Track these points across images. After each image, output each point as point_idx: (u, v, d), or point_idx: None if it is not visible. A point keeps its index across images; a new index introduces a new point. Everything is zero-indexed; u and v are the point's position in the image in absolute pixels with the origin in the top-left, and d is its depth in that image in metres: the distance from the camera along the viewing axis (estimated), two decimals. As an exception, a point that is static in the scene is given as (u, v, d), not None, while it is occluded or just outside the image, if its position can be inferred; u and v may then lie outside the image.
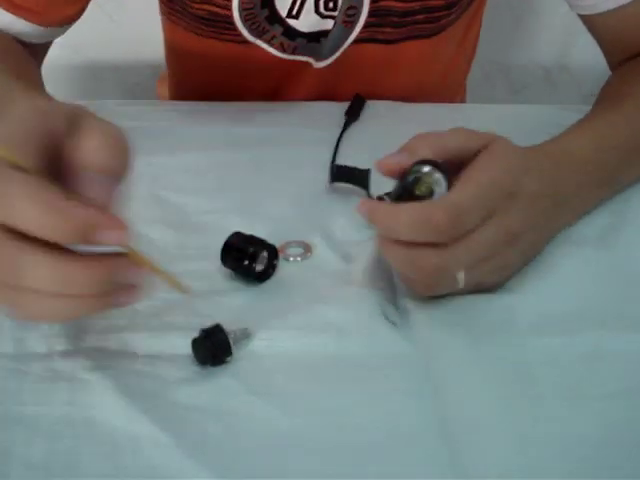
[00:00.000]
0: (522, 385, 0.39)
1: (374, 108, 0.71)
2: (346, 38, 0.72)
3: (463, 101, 0.96)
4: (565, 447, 0.35)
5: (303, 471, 0.35)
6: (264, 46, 0.73)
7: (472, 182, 0.41)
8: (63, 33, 0.67)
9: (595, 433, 0.36)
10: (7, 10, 0.61)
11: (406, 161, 0.41)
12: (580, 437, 0.36)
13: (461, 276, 0.42)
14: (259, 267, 0.47)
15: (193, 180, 0.59)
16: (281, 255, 0.48)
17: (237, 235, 0.48)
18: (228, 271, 0.47)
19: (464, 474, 0.34)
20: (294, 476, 0.35)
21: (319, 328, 0.43)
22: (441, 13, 0.72)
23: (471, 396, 0.38)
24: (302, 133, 0.66)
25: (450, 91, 0.90)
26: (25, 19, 0.62)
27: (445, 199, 0.40)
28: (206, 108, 0.70)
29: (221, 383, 0.40)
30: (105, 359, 0.41)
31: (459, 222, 0.39)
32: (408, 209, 0.39)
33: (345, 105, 0.71)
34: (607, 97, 0.61)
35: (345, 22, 0.70)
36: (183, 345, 0.42)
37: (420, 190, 0.40)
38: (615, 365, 0.40)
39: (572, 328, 0.42)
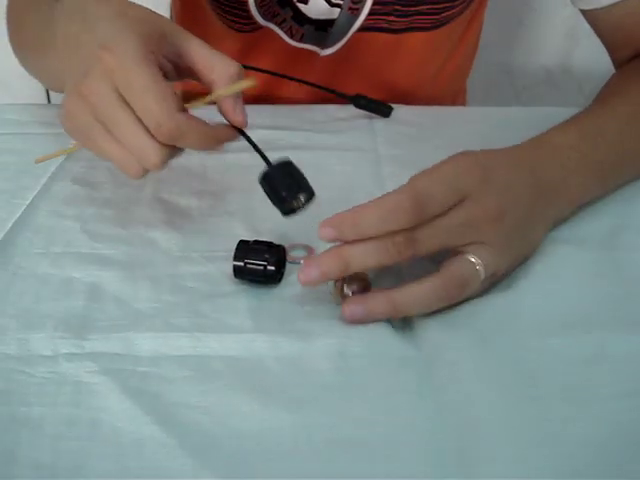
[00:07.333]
0: (524, 386, 0.39)
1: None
2: (351, 26, 0.73)
3: (463, 104, 0.97)
4: (567, 448, 0.35)
5: (305, 471, 0.35)
6: (275, 28, 0.74)
7: (435, 169, 0.43)
8: None
9: (598, 434, 0.36)
10: None
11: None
12: (583, 438, 0.36)
13: (477, 262, 0.43)
14: (271, 268, 0.46)
15: (197, 183, 0.60)
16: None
17: (245, 242, 0.48)
18: (231, 274, 0.47)
19: (466, 475, 0.34)
20: (296, 476, 0.35)
21: (321, 329, 0.43)
22: (444, 5, 0.72)
23: (473, 397, 0.38)
24: (304, 136, 0.66)
25: (450, 88, 0.90)
26: None
27: (406, 185, 0.42)
28: (209, 110, 0.71)
29: (224, 384, 0.40)
30: (109, 361, 0.41)
31: (424, 204, 0.41)
32: (373, 204, 0.41)
33: (346, 107, 0.72)
34: (597, 98, 0.61)
35: (351, 9, 0.71)
36: (187, 346, 0.42)
37: None
38: (617, 367, 0.40)
39: (574, 329, 0.42)
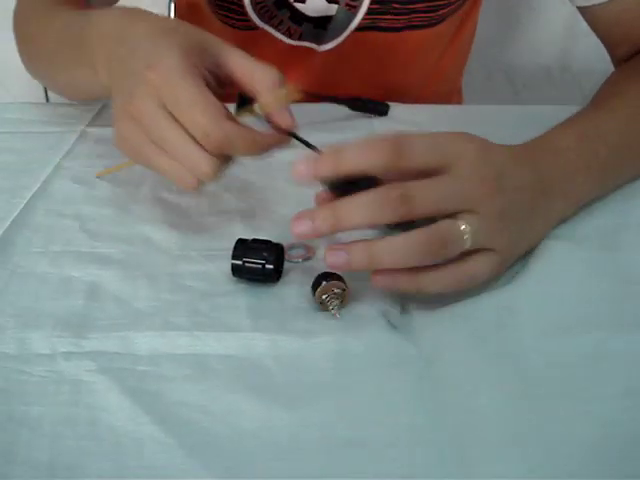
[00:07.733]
0: (523, 386, 0.39)
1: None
2: (350, 22, 0.73)
3: (460, 102, 0.97)
4: (566, 448, 0.35)
5: (304, 471, 0.35)
6: (272, 31, 0.74)
7: (428, 133, 0.43)
8: None
9: (597, 434, 0.36)
10: None
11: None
12: (583, 438, 0.36)
13: (466, 230, 0.42)
14: (270, 266, 0.46)
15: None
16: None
17: (243, 241, 0.48)
18: (230, 272, 0.47)
19: (466, 475, 0.34)
20: (295, 475, 0.35)
21: (320, 328, 0.43)
22: (440, 2, 0.73)
23: (473, 397, 0.38)
24: (304, 135, 0.66)
25: (445, 86, 0.91)
26: None
27: (392, 134, 0.42)
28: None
29: (223, 383, 0.40)
30: (108, 360, 0.41)
31: (403, 150, 0.41)
32: (353, 142, 0.41)
33: (344, 107, 0.72)
34: (596, 98, 0.61)
35: (348, 6, 0.71)
36: (186, 345, 0.42)
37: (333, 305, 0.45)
38: (616, 366, 0.40)
39: (573, 329, 0.42)
